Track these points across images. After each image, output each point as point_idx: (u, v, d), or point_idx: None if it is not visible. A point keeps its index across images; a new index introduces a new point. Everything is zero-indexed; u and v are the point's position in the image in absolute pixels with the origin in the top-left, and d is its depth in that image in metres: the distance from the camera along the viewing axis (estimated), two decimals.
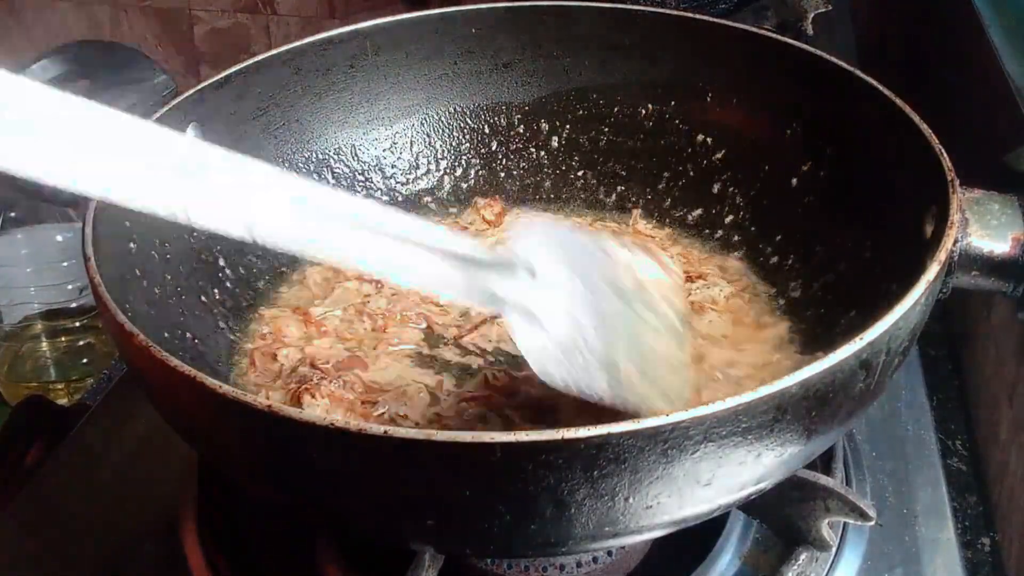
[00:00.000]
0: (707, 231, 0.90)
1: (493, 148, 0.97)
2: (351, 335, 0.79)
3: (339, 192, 0.53)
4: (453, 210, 0.96)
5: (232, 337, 0.80)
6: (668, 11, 0.92)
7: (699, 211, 0.91)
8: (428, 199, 0.96)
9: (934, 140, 0.66)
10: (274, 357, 0.77)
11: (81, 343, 1.52)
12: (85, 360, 1.51)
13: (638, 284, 0.57)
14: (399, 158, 0.96)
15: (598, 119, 0.96)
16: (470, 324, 0.77)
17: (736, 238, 0.88)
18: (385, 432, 0.45)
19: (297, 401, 0.69)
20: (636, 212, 0.93)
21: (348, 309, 0.81)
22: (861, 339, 0.50)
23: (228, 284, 0.82)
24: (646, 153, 0.94)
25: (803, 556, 0.67)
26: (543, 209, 0.96)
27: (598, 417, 0.48)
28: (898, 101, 0.71)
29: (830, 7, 1.20)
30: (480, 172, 0.98)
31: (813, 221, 0.81)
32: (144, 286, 0.70)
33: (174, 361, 0.51)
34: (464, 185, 0.97)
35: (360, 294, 0.83)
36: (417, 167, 0.96)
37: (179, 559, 0.70)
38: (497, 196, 0.96)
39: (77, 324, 1.52)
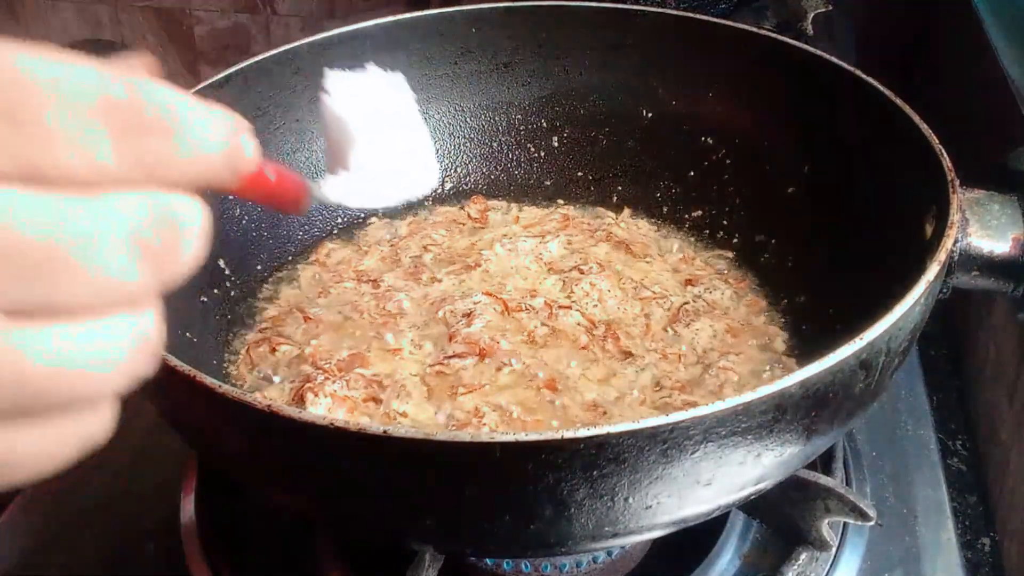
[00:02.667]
0: (706, 232, 0.90)
1: (493, 147, 0.97)
2: (351, 333, 0.79)
3: None
4: (453, 209, 0.96)
5: (231, 335, 0.80)
6: (668, 11, 0.92)
7: (699, 212, 0.91)
8: (428, 199, 0.96)
9: (934, 140, 0.66)
10: (273, 352, 0.77)
11: None
12: None
13: None
14: None
15: (598, 119, 0.96)
16: (466, 320, 0.77)
17: (735, 239, 0.88)
18: (385, 432, 0.45)
19: (300, 400, 0.69)
20: (627, 210, 0.94)
21: (346, 307, 0.81)
22: (861, 339, 0.50)
23: (227, 284, 0.82)
24: (646, 153, 0.94)
25: (803, 556, 0.67)
26: (543, 207, 0.96)
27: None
28: (898, 101, 0.70)
29: (830, 7, 1.20)
30: (480, 171, 0.98)
31: (812, 221, 0.81)
32: None
33: (174, 361, 0.51)
34: (464, 184, 0.97)
35: (358, 293, 0.84)
36: None
37: (179, 559, 0.70)
38: (480, 195, 0.96)
39: None
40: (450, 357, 0.74)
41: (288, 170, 0.40)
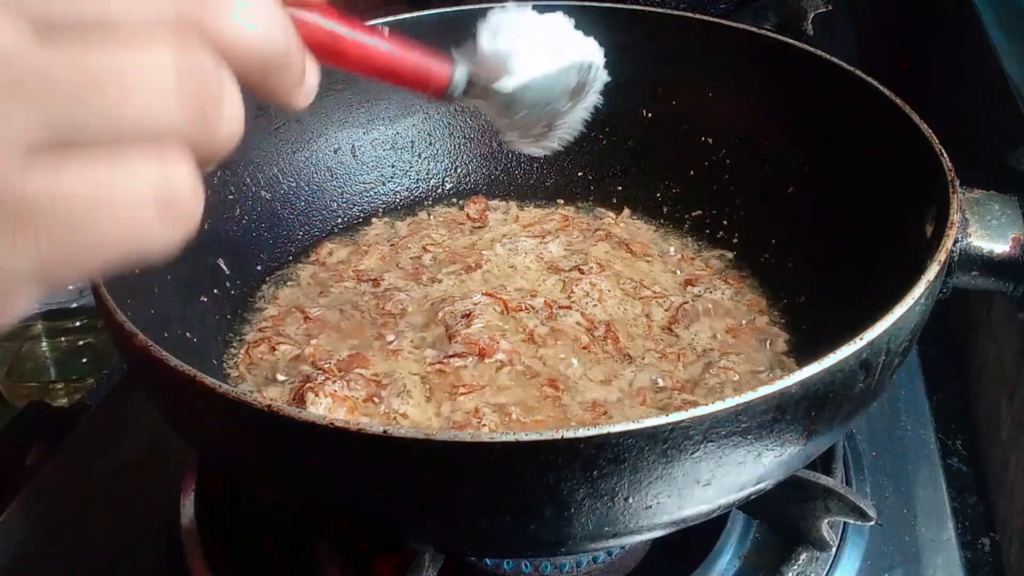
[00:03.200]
0: (706, 231, 0.90)
1: (493, 147, 0.97)
2: (351, 333, 0.79)
3: None
4: (453, 209, 0.96)
5: (231, 335, 0.80)
6: (668, 11, 0.92)
7: (699, 212, 0.91)
8: (428, 199, 0.96)
9: (934, 140, 0.66)
10: (273, 352, 0.77)
11: (81, 343, 1.52)
12: (85, 360, 1.51)
13: None
14: (399, 158, 0.96)
15: (598, 119, 0.95)
16: (466, 320, 0.77)
17: (735, 239, 0.88)
18: (385, 432, 0.45)
19: (300, 400, 0.69)
20: (627, 210, 0.94)
21: (346, 307, 0.81)
22: (861, 339, 0.50)
23: (228, 284, 0.82)
24: (646, 153, 0.94)
25: (803, 556, 0.67)
26: (542, 207, 0.96)
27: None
28: (898, 101, 0.71)
29: (830, 7, 1.21)
30: (480, 171, 0.98)
31: (813, 221, 0.81)
32: (144, 286, 0.71)
33: (174, 361, 0.51)
34: (464, 184, 0.97)
35: (358, 293, 0.84)
36: (418, 166, 0.96)
37: (179, 559, 0.70)
38: (481, 195, 0.96)
39: (77, 324, 1.52)
40: (450, 357, 0.74)
41: (425, 49, 0.41)
